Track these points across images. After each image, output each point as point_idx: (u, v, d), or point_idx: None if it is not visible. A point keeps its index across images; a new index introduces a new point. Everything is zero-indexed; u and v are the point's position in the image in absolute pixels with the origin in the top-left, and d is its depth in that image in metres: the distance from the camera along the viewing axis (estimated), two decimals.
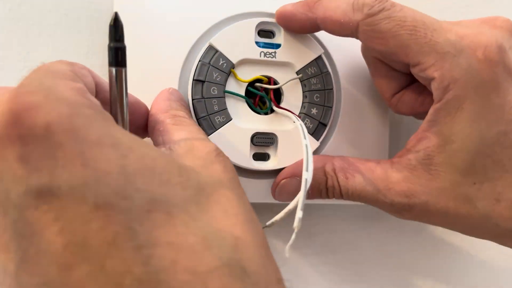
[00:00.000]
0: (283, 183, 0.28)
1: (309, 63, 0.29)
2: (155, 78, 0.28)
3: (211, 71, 0.28)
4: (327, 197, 0.28)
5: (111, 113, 0.19)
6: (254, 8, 0.29)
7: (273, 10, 0.29)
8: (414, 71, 0.25)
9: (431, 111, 0.25)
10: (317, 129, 0.29)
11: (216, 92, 0.28)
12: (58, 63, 0.18)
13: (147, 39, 0.28)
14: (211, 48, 0.28)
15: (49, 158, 0.14)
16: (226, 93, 0.28)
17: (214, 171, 0.18)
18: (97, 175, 0.14)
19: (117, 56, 0.19)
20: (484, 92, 0.23)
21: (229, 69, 0.28)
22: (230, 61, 0.28)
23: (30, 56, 0.28)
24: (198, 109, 0.28)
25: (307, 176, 0.20)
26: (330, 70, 0.30)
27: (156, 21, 0.28)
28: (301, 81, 0.29)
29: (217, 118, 0.28)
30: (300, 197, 0.19)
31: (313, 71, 0.29)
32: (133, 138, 0.16)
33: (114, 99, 0.19)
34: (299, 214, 0.18)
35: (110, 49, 0.19)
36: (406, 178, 0.25)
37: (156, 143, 0.22)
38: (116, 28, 0.18)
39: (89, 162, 0.14)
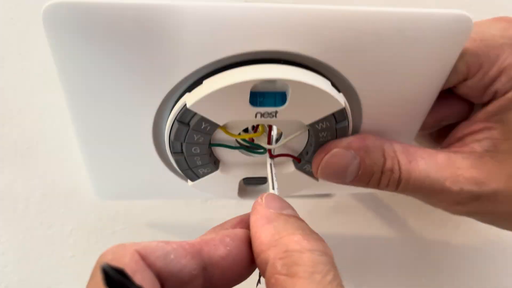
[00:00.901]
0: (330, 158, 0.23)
1: (321, 118, 0.22)
2: (126, 141, 0.22)
3: (191, 134, 0.22)
4: (378, 185, 0.23)
5: None
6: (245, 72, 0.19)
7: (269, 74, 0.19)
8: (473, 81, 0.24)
9: (494, 103, 0.24)
10: None
11: (198, 151, 0.23)
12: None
13: (109, 96, 0.20)
14: (188, 109, 0.20)
15: None
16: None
17: None
18: None
19: None
20: None
21: (213, 130, 0.22)
22: (215, 123, 0.21)
23: (30, 56, 0.27)
24: (179, 163, 0.23)
25: None
26: (350, 121, 0.22)
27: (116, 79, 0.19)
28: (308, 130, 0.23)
29: (201, 170, 0.24)
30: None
31: (324, 126, 0.22)
32: None
33: None
34: None
35: None
36: (474, 165, 0.24)
37: None
38: None
39: None
